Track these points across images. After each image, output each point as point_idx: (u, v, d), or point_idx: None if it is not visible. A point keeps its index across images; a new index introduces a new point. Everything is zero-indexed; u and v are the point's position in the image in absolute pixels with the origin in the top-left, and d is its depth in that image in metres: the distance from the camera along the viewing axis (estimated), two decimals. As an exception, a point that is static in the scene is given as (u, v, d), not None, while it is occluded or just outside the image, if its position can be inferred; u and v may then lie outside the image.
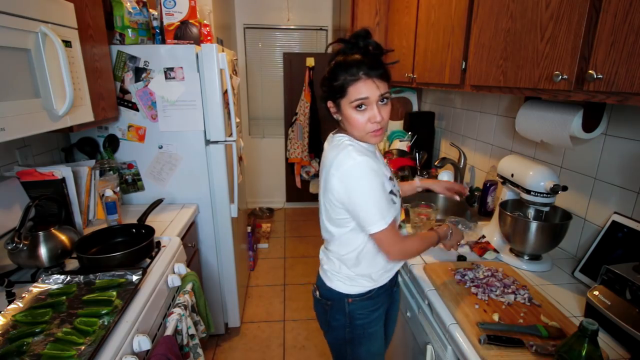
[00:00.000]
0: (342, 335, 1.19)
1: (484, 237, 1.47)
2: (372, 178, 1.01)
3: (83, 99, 1.36)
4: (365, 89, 0.97)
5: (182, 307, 1.28)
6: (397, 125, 2.69)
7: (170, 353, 1.09)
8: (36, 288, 1.14)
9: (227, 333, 2.37)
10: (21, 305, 1.05)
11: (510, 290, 1.10)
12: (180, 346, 1.25)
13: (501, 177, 1.45)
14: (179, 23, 1.89)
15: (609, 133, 1.20)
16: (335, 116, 1.09)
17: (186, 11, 1.90)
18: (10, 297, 1.12)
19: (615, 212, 1.18)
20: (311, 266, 3.20)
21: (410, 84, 2.04)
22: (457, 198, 1.40)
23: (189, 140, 1.97)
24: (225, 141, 2.04)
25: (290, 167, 4.18)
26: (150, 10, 1.92)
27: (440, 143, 2.48)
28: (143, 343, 1.03)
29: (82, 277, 1.19)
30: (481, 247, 1.39)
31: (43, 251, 1.27)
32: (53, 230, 1.32)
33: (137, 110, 1.90)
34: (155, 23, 1.93)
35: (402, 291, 1.40)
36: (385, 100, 1.00)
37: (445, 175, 1.98)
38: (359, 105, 0.99)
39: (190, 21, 1.91)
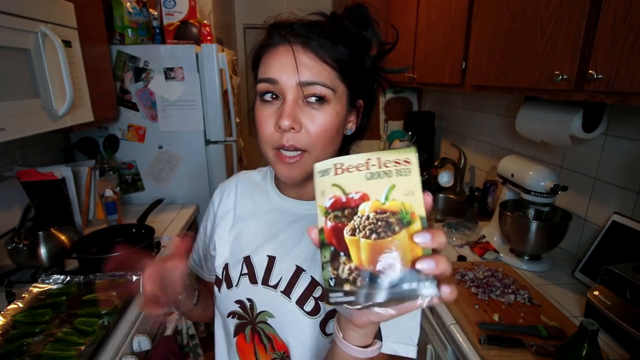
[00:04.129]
0: None
1: (484, 237, 1.47)
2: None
3: (83, 99, 1.36)
4: (277, 63, 0.53)
5: (182, 307, 1.28)
6: (397, 125, 2.69)
7: (170, 353, 1.09)
8: (36, 288, 1.14)
9: (227, 333, 2.36)
10: (21, 305, 1.05)
11: (510, 291, 1.10)
12: (180, 346, 1.25)
13: (501, 177, 1.45)
14: (178, 23, 1.89)
15: (609, 133, 1.20)
16: None
17: (186, 11, 1.90)
18: (10, 297, 1.11)
19: (616, 212, 1.18)
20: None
21: (410, 84, 2.04)
22: None
23: (189, 140, 1.97)
24: (225, 141, 2.04)
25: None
26: (150, 10, 1.92)
27: (440, 143, 2.48)
28: (143, 343, 1.03)
29: (82, 277, 1.18)
30: (481, 247, 1.39)
31: (43, 251, 1.27)
32: (53, 230, 1.32)
33: (137, 110, 1.90)
34: (155, 23, 1.93)
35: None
36: (318, 100, 0.53)
37: (445, 176, 1.98)
38: (264, 93, 0.55)
39: (190, 21, 1.91)
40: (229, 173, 2.11)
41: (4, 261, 1.27)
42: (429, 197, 0.35)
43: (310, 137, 0.54)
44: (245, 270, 0.64)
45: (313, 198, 0.52)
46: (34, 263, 1.27)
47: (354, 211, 0.36)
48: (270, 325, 0.61)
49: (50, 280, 1.17)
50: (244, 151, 2.71)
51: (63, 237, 1.33)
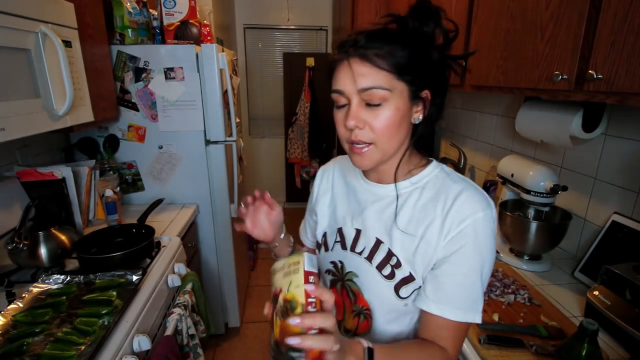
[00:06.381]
0: None
1: (484, 237, 1.47)
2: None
3: (83, 99, 1.36)
4: (341, 76, 0.64)
5: (182, 307, 1.28)
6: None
7: (171, 353, 1.09)
8: (36, 288, 1.14)
9: (227, 333, 2.37)
10: (21, 305, 1.05)
11: (510, 290, 1.10)
12: (180, 346, 1.25)
13: (501, 177, 1.45)
14: (179, 23, 1.89)
15: (609, 133, 1.20)
16: None
17: (186, 11, 1.90)
18: (10, 297, 1.11)
19: (615, 212, 1.18)
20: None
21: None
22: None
23: (189, 140, 1.97)
24: (225, 141, 2.04)
25: (290, 167, 4.18)
26: (150, 10, 1.92)
27: (440, 143, 2.48)
28: (143, 343, 1.03)
29: (82, 277, 1.18)
30: (481, 247, 1.39)
31: (43, 251, 1.27)
32: (53, 230, 1.32)
33: (137, 110, 1.90)
34: (155, 23, 1.93)
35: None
36: (377, 103, 0.62)
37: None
38: (336, 100, 0.67)
39: (190, 21, 1.91)
40: (229, 173, 2.11)
41: (4, 261, 1.27)
42: (310, 287, 0.51)
43: (374, 132, 0.64)
44: (338, 239, 0.79)
45: (390, 182, 0.73)
46: (34, 263, 1.27)
47: (277, 300, 0.54)
48: (356, 283, 0.74)
49: (50, 280, 1.17)
50: (244, 151, 2.71)
51: (63, 237, 1.33)
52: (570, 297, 1.13)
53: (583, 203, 1.31)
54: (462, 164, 2.05)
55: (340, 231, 0.79)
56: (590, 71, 0.84)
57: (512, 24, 1.13)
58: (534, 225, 1.24)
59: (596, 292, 0.98)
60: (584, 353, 0.72)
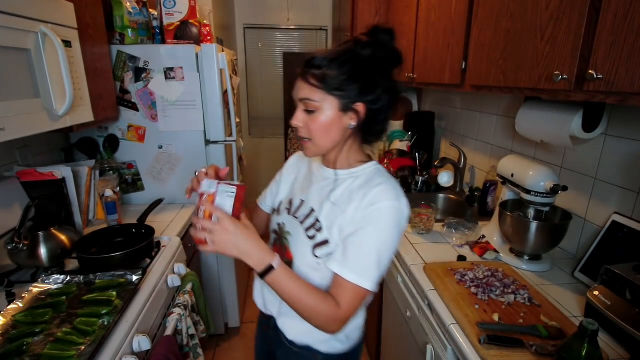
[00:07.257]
0: None
1: (484, 237, 1.47)
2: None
3: (83, 99, 1.36)
4: (294, 87, 0.86)
5: (182, 307, 1.28)
6: (397, 125, 2.69)
7: (171, 353, 1.09)
8: (36, 288, 1.14)
9: (227, 333, 2.37)
10: (21, 305, 1.05)
11: (510, 290, 1.10)
12: (180, 346, 1.25)
13: (501, 177, 1.45)
14: (179, 23, 1.89)
15: (609, 133, 1.20)
16: None
17: (186, 11, 1.90)
18: (10, 297, 1.11)
19: (616, 212, 1.18)
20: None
21: (410, 84, 2.05)
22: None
23: (189, 140, 1.97)
24: (225, 141, 2.04)
25: (290, 167, 4.18)
26: (150, 10, 1.92)
27: (440, 143, 2.48)
28: (143, 343, 1.03)
29: (82, 277, 1.18)
30: (481, 247, 1.39)
31: (43, 251, 1.27)
32: (53, 230, 1.32)
33: (137, 110, 1.90)
34: (155, 23, 1.93)
35: (402, 291, 1.40)
36: (312, 110, 0.82)
37: (446, 176, 1.98)
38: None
39: (190, 21, 1.91)
40: (229, 173, 2.11)
41: (4, 261, 1.27)
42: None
43: (309, 131, 0.84)
44: (287, 206, 0.98)
45: (334, 167, 0.92)
46: (34, 263, 1.27)
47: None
48: (288, 240, 0.94)
49: (50, 280, 1.17)
50: (244, 151, 2.71)
51: (63, 237, 1.33)
52: (571, 297, 1.13)
53: (583, 203, 1.31)
54: (462, 164, 2.05)
55: (291, 201, 0.98)
56: (590, 71, 0.84)
57: (512, 24, 1.13)
58: (534, 225, 1.24)
59: (596, 292, 0.98)
60: (584, 353, 0.72)
